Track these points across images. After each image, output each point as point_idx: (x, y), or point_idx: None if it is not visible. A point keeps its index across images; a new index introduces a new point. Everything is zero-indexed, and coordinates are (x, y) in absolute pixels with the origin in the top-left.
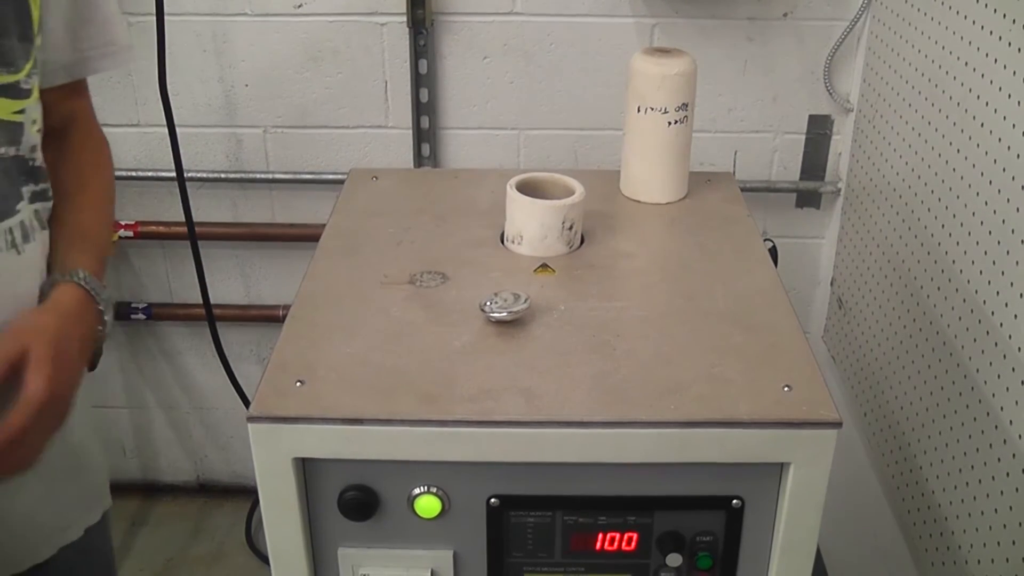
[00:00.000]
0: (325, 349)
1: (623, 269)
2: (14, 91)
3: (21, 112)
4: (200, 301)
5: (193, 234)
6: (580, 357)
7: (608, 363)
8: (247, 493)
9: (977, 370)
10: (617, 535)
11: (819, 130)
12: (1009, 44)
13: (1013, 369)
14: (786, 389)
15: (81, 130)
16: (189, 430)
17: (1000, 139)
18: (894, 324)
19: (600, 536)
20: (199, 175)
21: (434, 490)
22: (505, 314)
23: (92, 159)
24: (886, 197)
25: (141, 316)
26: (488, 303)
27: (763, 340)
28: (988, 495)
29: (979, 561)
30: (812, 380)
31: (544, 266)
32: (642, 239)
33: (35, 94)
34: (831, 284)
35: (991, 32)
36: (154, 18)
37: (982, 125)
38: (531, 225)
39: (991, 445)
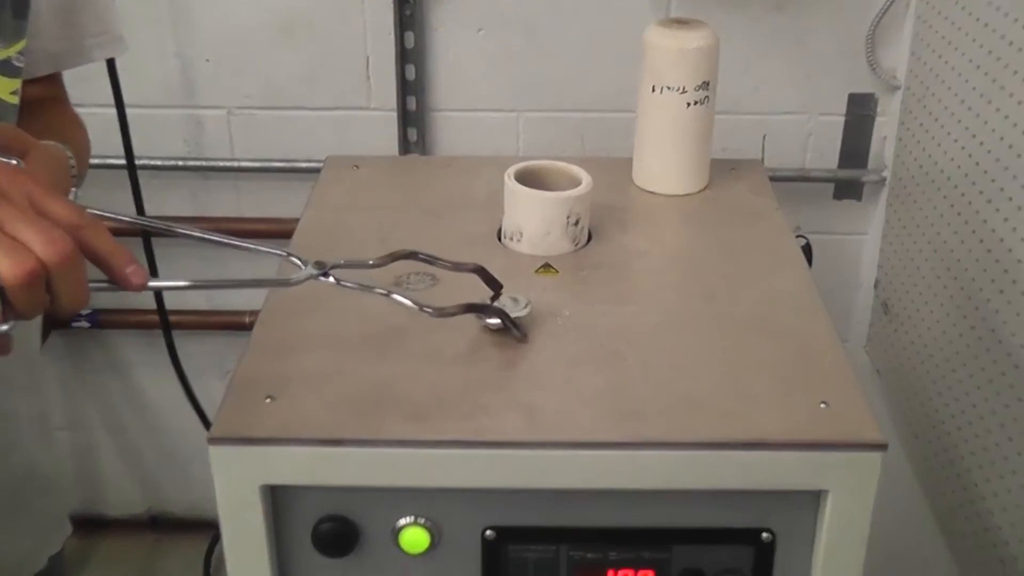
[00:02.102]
0: (299, 361)
1: (635, 269)
2: (9, 68)
3: (15, 93)
4: (154, 306)
5: (146, 230)
6: (587, 369)
7: (619, 375)
8: (206, 527)
9: None
10: (630, 573)
11: (860, 111)
12: None
13: None
14: (823, 406)
15: (56, 110)
16: (139, 455)
17: None
18: (948, 332)
19: (610, 573)
20: (153, 163)
21: (422, 521)
22: (521, 313)
23: (68, 133)
24: (939, 187)
25: (85, 323)
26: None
27: (795, 350)
28: None
29: None
30: (852, 396)
31: (546, 266)
32: (657, 235)
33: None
34: (874, 287)
35: None
36: None
37: None
38: (532, 220)
39: None
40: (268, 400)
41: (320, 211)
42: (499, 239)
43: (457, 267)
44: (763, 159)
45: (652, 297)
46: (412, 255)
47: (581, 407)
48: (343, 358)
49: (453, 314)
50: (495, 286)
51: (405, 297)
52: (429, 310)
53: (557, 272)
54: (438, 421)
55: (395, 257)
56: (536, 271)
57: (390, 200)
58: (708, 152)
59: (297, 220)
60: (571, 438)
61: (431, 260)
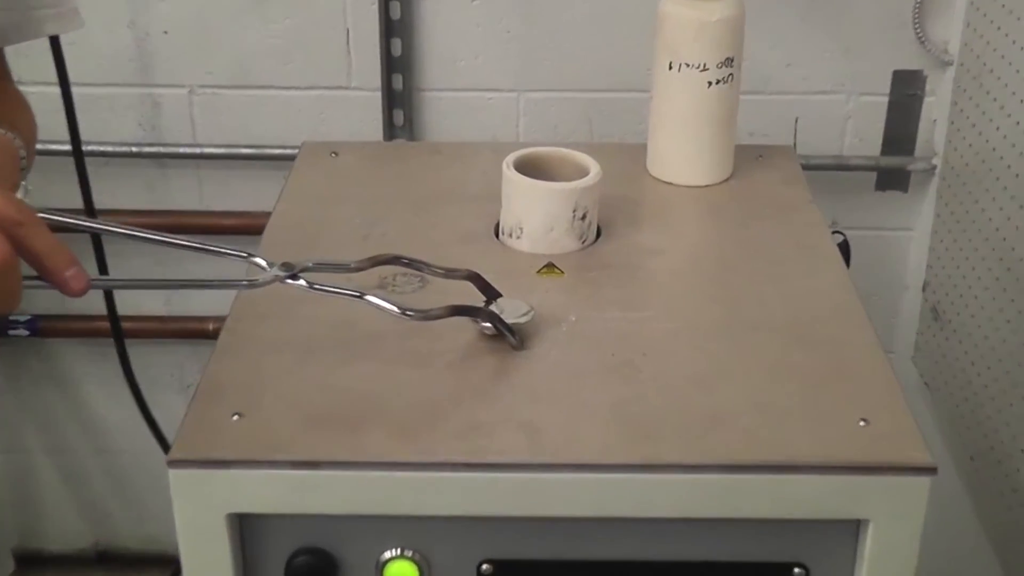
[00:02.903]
0: (271, 372)
1: (650, 270)
2: None
3: None
4: (104, 311)
5: (95, 225)
6: (596, 381)
7: (631, 389)
8: (163, 563)
9: None
10: None
11: (907, 90)
12: None
13: None
14: (862, 423)
15: None
16: (86, 480)
17: None
18: (1008, 341)
19: None
20: (103, 149)
21: (410, 553)
22: (522, 319)
23: (13, 117)
24: (997, 176)
25: (23, 331)
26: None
27: (831, 360)
28: None
29: None
30: (896, 411)
31: (550, 266)
32: (675, 232)
33: None
34: (923, 289)
35: None
36: None
37: None
38: (533, 214)
39: None
40: (236, 417)
41: (295, 204)
42: (496, 236)
43: (448, 274)
44: (795, 145)
45: (669, 301)
46: (395, 260)
47: (589, 425)
48: (321, 369)
49: (438, 317)
50: (492, 295)
51: (384, 300)
52: (411, 313)
53: (562, 273)
54: (427, 440)
55: (376, 262)
56: (538, 272)
57: (373, 192)
58: (732, 137)
59: (268, 214)
60: (577, 460)
61: (417, 265)
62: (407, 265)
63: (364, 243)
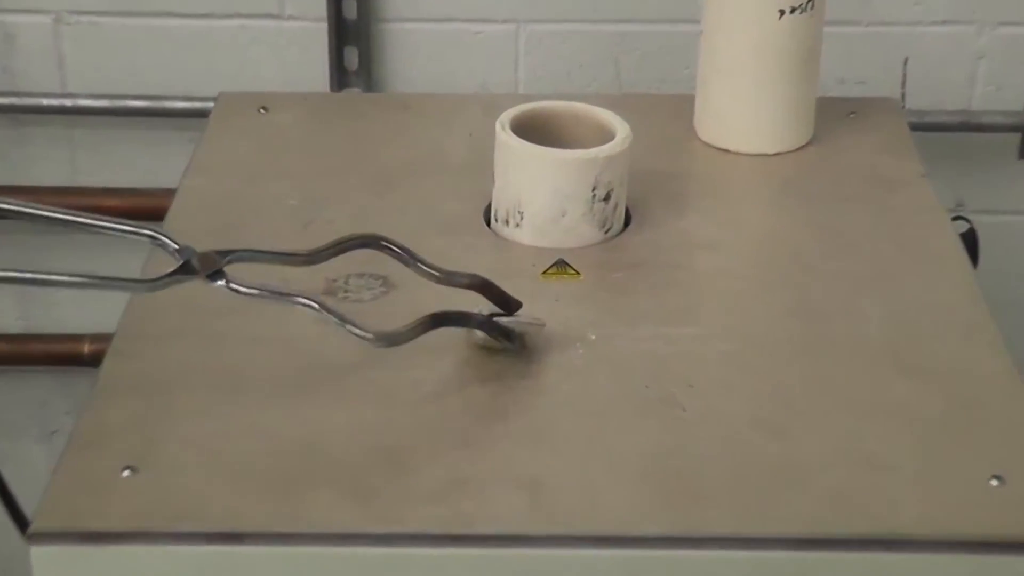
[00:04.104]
0: (177, 411)
1: (698, 270)
2: None
3: None
4: None
5: None
6: (623, 423)
7: (671, 433)
8: None
9: None
10: None
11: None
12: None
13: None
14: (994, 482)
15: None
16: None
17: None
18: None
19: None
20: None
21: None
22: (525, 324)
23: None
24: None
25: None
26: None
27: (951, 395)
28: None
29: None
30: None
31: (561, 265)
32: (732, 218)
33: None
34: None
35: None
36: None
37: None
38: (539, 193)
39: None
40: (127, 473)
41: (207, 180)
42: (487, 223)
43: (448, 278)
44: (903, 97)
45: (723, 314)
46: (371, 242)
47: (613, 482)
48: (247, 407)
49: (408, 339)
50: (509, 308)
51: (337, 316)
52: (370, 336)
53: (577, 274)
54: (393, 503)
55: (340, 248)
56: (544, 273)
57: (317, 163)
58: (814, 87)
59: (170, 194)
60: (597, 530)
61: (405, 256)
62: (390, 252)
63: (305, 233)
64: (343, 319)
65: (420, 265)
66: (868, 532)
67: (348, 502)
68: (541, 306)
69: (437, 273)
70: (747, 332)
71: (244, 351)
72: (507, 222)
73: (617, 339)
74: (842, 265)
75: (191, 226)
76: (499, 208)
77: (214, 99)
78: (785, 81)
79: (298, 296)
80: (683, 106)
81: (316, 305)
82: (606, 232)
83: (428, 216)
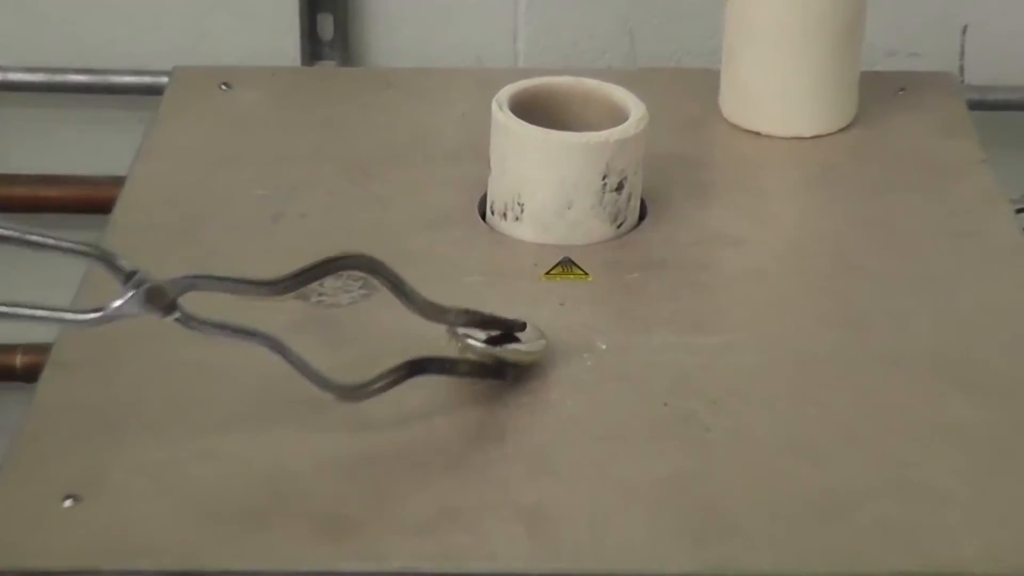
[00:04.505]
0: (125, 433)
1: (725, 270)
2: None
3: None
4: None
5: None
6: (639, 445)
7: (694, 457)
8: None
9: None
10: None
11: None
12: None
13: None
14: None
15: None
16: None
17: None
18: None
19: None
20: None
21: None
22: (527, 351)
23: None
24: None
25: None
26: (462, 337)
27: (1012, 413)
28: None
29: None
30: None
31: (567, 264)
32: (762, 210)
33: None
34: None
35: None
36: None
37: None
38: (541, 183)
39: None
40: (68, 503)
41: (161, 167)
42: (482, 216)
43: (438, 315)
44: (961, 70)
45: (754, 320)
46: (359, 266)
47: (626, 513)
48: (205, 426)
49: (378, 392)
50: (510, 331)
51: (296, 364)
52: (332, 389)
53: (585, 275)
54: (374, 537)
55: (319, 270)
56: (548, 273)
57: (287, 146)
58: (857, 59)
59: (117, 183)
60: (608, 567)
61: (391, 287)
62: (375, 276)
63: (273, 228)
64: (303, 368)
65: (407, 300)
66: (921, 570)
67: (323, 536)
68: (543, 311)
69: (426, 309)
70: (780, 342)
71: (203, 365)
72: (505, 215)
73: (631, 349)
74: (889, 265)
75: (142, 220)
76: (496, 200)
77: (168, 74)
78: (825, 53)
79: (257, 334)
80: (707, 82)
81: (274, 349)
82: (618, 227)
83: (414, 208)
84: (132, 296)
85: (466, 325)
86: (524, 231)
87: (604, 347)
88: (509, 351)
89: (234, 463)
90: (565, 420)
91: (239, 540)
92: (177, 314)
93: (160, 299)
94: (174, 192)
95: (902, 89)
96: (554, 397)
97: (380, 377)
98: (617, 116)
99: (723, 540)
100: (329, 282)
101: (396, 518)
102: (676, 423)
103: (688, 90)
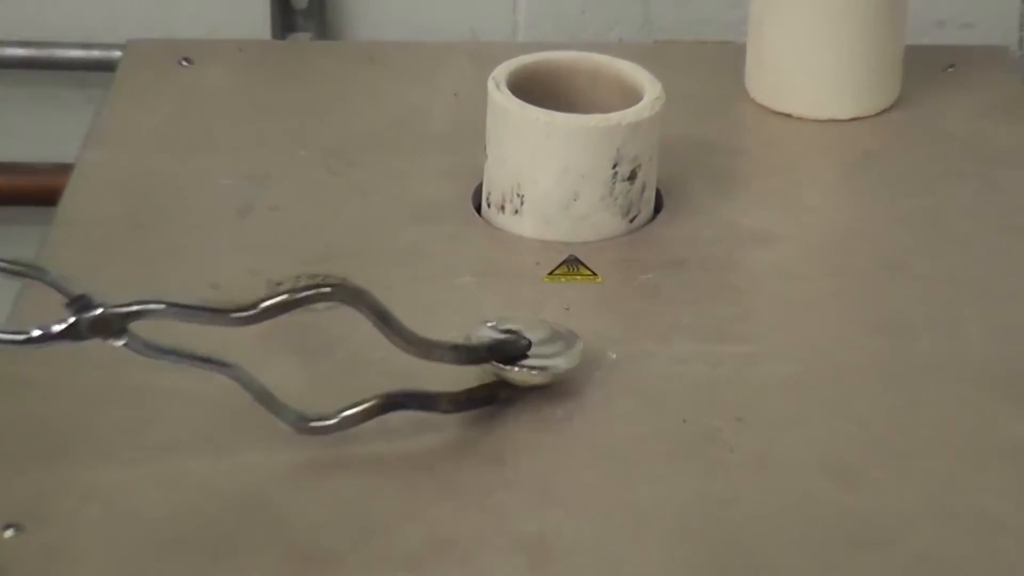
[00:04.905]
0: (74, 453)
1: (752, 271)
2: None
3: None
4: None
5: None
6: (654, 467)
7: (716, 481)
8: None
9: None
10: None
11: None
12: None
13: None
14: None
15: None
16: None
17: None
18: None
19: None
20: None
21: None
22: (534, 373)
23: None
24: None
25: None
26: (480, 340)
27: None
28: None
29: None
30: None
31: (572, 264)
32: (794, 202)
33: None
34: None
35: None
36: None
37: None
38: (544, 171)
39: None
40: (9, 532)
41: (113, 152)
42: (477, 209)
43: (424, 351)
44: (1020, 43)
45: (783, 327)
46: (339, 296)
47: (640, 543)
48: (164, 446)
49: (347, 427)
50: (515, 356)
51: (257, 394)
52: (299, 425)
53: (594, 276)
54: (357, 570)
55: (292, 301)
56: (551, 274)
57: (256, 130)
58: (901, 33)
59: (66, 170)
60: None
61: (376, 320)
62: (357, 308)
63: (241, 222)
64: (266, 400)
65: (395, 336)
66: None
67: (297, 570)
68: (546, 317)
69: (418, 346)
70: (814, 351)
71: (162, 374)
72: (503, 208)
73: (646, 360)
74: (937, 264)
75: (91, 214)
76: (493, 190)
77: (121, 47)
78: (865, 24)
79: (213, 361)
80: (731, 57)
81: (234, 377)
82: (631, 221)
83: (400, 201)
84: (74, 323)
85: (462, 363)
86: (524, 226)
87: (615, 357)
88: (548, 373)
89: (196, 488)
90: (571, 440)
91: (202, 573)
92: (125, 339)
93: (104, 330)
94: (128, 182)
95: (951, 66)
96: (559, 414)
97: (351, 409)
98: (629, 96)
99: (748, 574)
100: (305, 283)
101: (381, 550)
102: (696, 443)
103: (710, 66)
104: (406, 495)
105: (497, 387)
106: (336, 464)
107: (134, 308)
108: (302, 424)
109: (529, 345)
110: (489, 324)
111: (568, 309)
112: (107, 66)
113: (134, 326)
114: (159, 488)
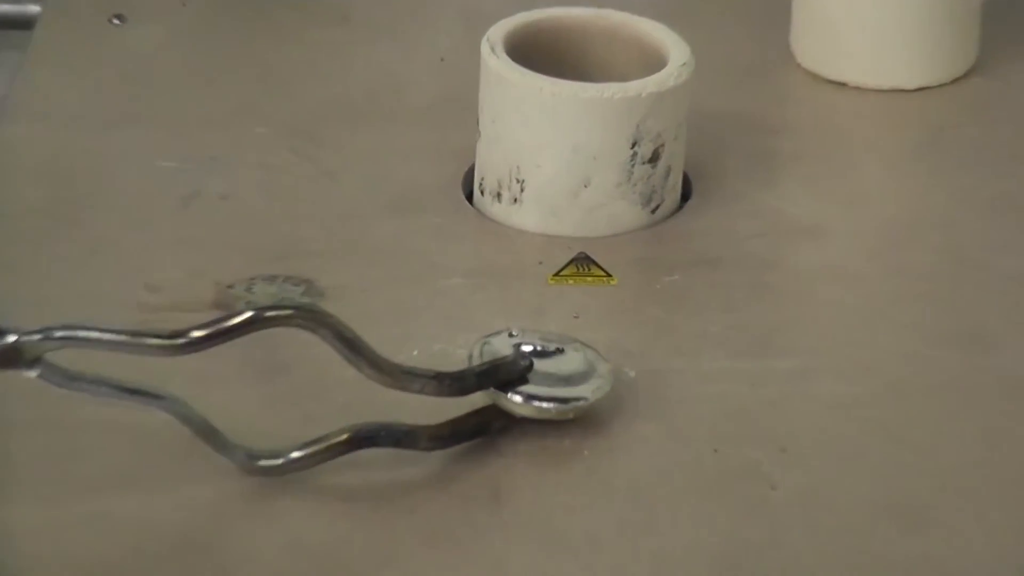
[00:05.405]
0: (15, 492)
1: (797, 271)
2: None
3: None
4: None
5: None
6: (682, 505)
7: (756, 521)
8: None
9: None
10: None
11: None
12: None
13: None
14: None
15: None
16: None
17: None
18: None
19: None
20: None
21: None
22: (551, 406)
23: None
24: None
25: None
26: (479, 361)
27: None
28: None
29: None
30: None
31: (583, 261)
32: (848, 188)
33: None
34: None
35: None
36: None
37: None
38: (548, 152)
39: None
40: None
41: (31, 127)
42: (468, 197)
43: (402, 381)
44: None
45: (835, 338)
46: (308, 320)
47: None
48: (96, 485)
49: (308, 467)
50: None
51: (199, 430)
52: (247, 465)
53: (609, 277)
54: None
55: (238, 327)
56: (557, 274)
57: (203, 101)
58: None
59: None
60: None
61: (344, 351)
62: (319, 335)
63: (184, 213)
64: (210, 437)
65: (366, 366)
66: None
67: None
68: (551, 326)
69: (393, 376)
70: (872, 367)
71: (93, 408)
72: (499, 195)
73: (670, 377)
74: (1019, 262)
75: (5, 202)
76: (487, 175)
77: (40, 1)
78: None
79: (142, 392)
80: (774, 16)
81: (172, 412)
82: (653, 211)
83: (376, 186)
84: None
85: (447, 394)
86: (525, 217)
87: (633, 375)
88: (571, 407)
89: (133, 529)
90: (580, 475)
91: None
92: (38, 370)
93: (14, 360)
94: (50, 163)
95: None
96: (566, 444)
97: (307, 448)
98: (652, 62)
99: None
100: (261, 287)
101: None
102: (731, 478)
103: (749, 26)
104: (380, 539)
105: (490, 415)
106: (296, 498)
107: (54, 334)
108: (250, 464)
109: (531, 366)
110: (512, 333)
111: (577, 317)
112: (22, 24)
113: (51, 355)
114: (89, 527)
